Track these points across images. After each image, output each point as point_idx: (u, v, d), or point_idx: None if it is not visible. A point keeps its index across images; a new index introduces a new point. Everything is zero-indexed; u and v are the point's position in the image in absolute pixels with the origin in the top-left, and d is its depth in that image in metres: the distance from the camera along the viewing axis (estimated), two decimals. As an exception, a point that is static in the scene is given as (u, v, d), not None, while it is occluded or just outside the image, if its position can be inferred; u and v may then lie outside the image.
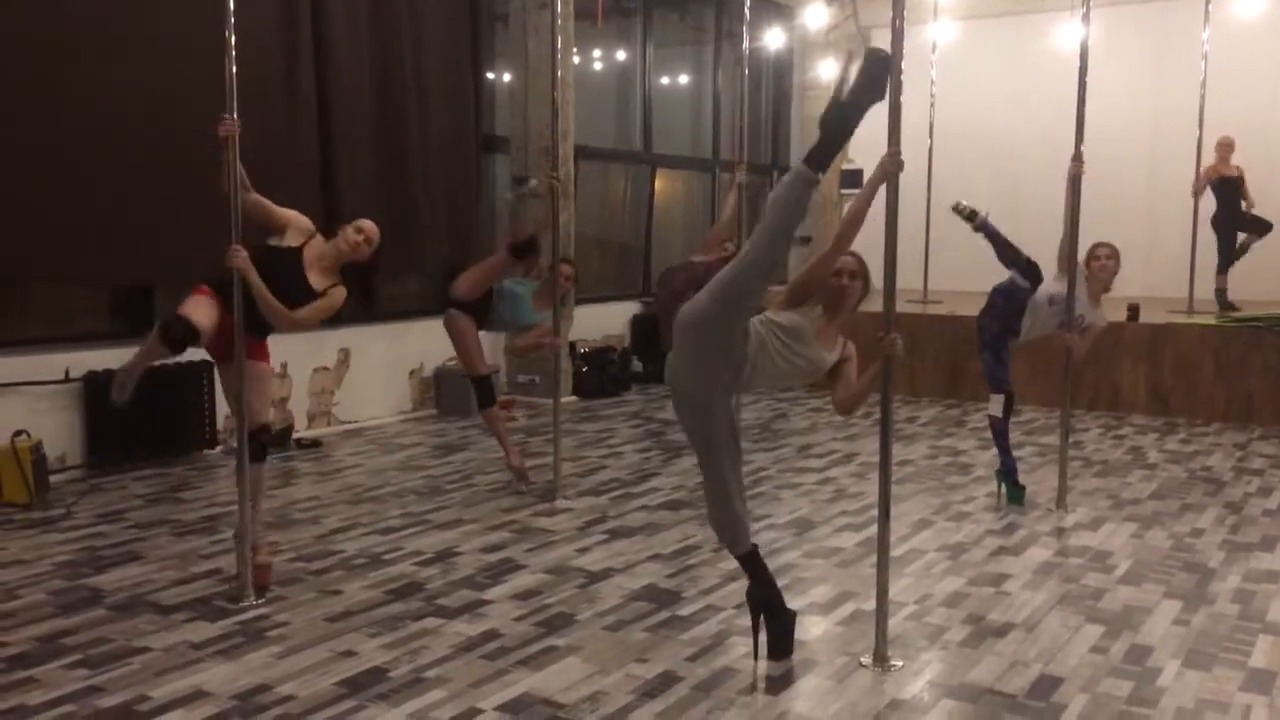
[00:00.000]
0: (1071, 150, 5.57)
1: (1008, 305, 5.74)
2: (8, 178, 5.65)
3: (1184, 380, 8.40)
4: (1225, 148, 9.54)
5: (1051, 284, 5.65)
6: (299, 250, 4.43)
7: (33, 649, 3.72)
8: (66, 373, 6.09)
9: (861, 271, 3.70)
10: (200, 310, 4.31)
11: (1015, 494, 5.78)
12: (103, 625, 3.94)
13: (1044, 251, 5.83)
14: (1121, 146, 10.48)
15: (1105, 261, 5.63)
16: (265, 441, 4.50)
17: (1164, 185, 10.70)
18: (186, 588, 4.36)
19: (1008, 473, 5.81)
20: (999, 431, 5.81)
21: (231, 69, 4.14)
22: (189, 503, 5.67)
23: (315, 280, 4.45)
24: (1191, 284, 9.55)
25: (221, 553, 4.79)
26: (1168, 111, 10.92)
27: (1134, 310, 8.76)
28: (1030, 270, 5.65)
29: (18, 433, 5.59)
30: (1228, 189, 9.55)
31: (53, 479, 5.81)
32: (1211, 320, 8.73)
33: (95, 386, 6.13)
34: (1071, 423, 5.92)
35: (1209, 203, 9.65)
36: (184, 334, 4.25)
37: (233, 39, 4.14)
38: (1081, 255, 5.62)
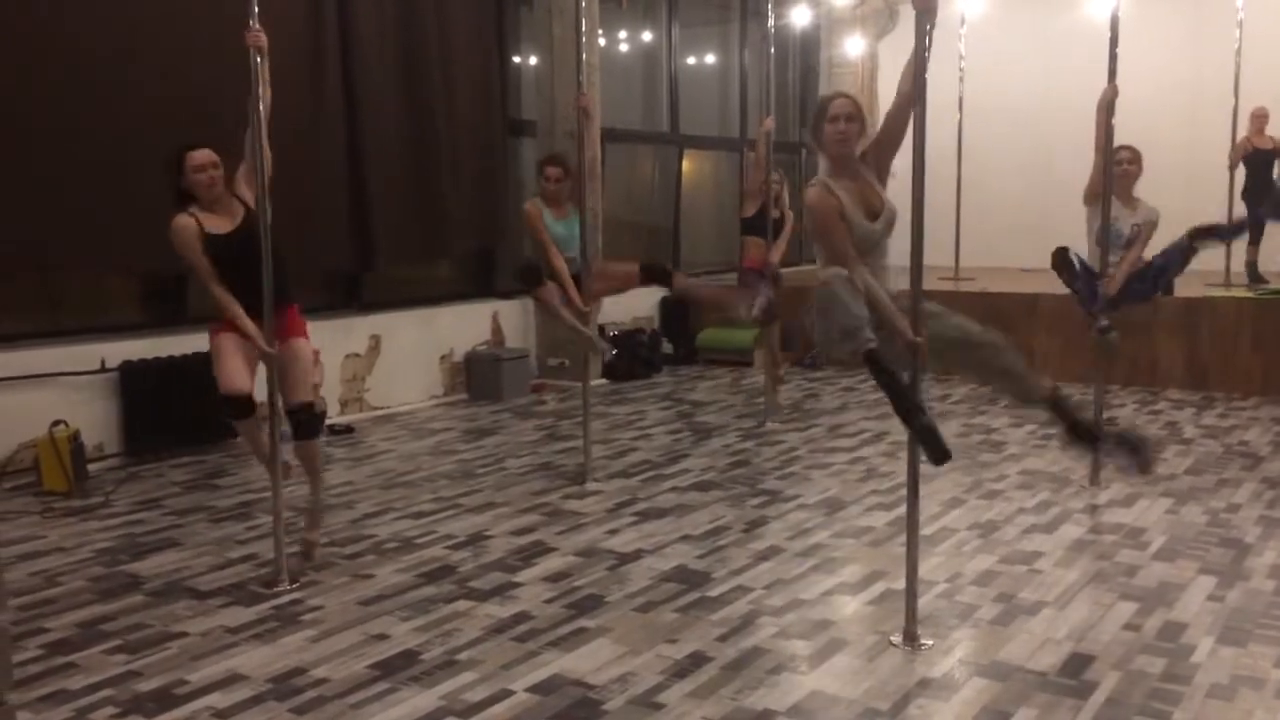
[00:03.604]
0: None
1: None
2: (42, 169, 5.74)
3: (1221, 354, 8.28)
4: (1259, 119, 9.38)
5: (1087, 235, 5.63)
6: (242, 228, 4.41)
7: (73, 635, 3.79)
8: (103, 362, 6.18)
9: (858, 114, 3.73)
10: (237, 374, 4.36)
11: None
12: (141, 611, 4.01)
13: (1076, 229, 5.79)
14: (1155, 118, 10.30)
15: (1126, 166, 5.65)
16: (303, 419, 4.49)
17: (1200, 156, 10.53)
18: (222, 573, 4.42)
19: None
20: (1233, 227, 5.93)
21: (256, 60, 4.17)
22: (225, 489, 5.75)
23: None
24: (1228, 257, 9.41)
25: (257, 538, 4.85)
26: (1203, 81, 10.75)
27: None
28: None
29: (56, 422, 5.68)
30: (1260, 161, 9.40)
31: (91, 468, 5.90)
32: (1248, 293, 8.60)
33: (131, 375, 6.23)
34: (1106, 398, 5.86)
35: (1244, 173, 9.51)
36: (242, 409, 4.39)
37: (255, 25, 4.17)
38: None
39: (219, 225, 4.38)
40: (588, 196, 6.01)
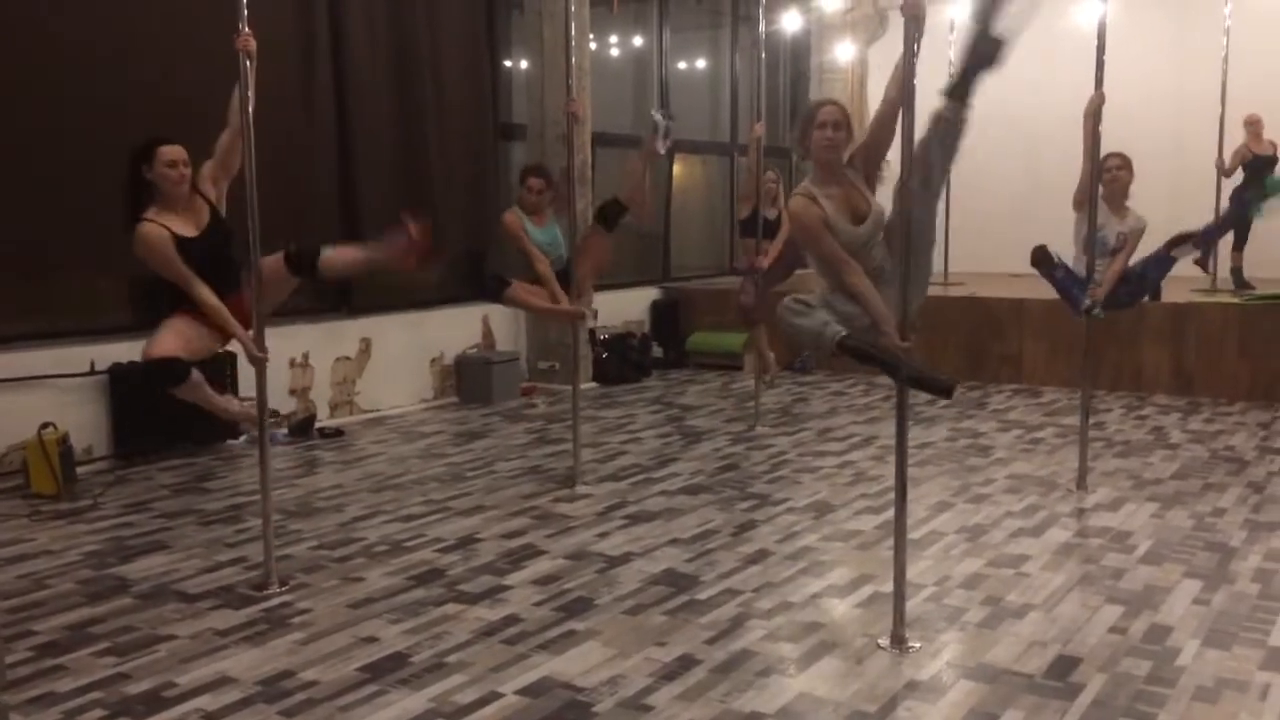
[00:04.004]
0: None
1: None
2: (38, 170, 5.74)
3: (1207, 360, 8.33)
4: (1255, 124, 9.46)
5: (1074, 242, 5.65)
6: (210, 229, 4.40)
7: (61, 637, 3.78)
8: (92, 365, 6.17)
9: (845, 121, 3.79)
10: (168, 344, 4.23)
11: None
12: (130, 614, 4.00)
13: (1065, 235, 5.82)
14: (1143, 125, 10.34)
15: (1116, 172, 5.68)
16: (303, 254, 4.40)
17: (1187, 164, 10.58)
18: (211, 576, 4.42)
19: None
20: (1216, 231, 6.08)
21: (246, 64, 4.17)
22: (214, 492, 5.74)
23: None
24: (1214, 263, 9.47)
25: (246, 541, 4.84)
26: (1190, 89, 10.80)
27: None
28: None
29: (45, 425, 5.67)
30: (1258, 167, 9.48)
31: (80, 470, 5.88)
32: (1234, 299, 8.66)
33: (120, 378, 6.22)
34: (1093, 403, 5.91)
35: (1234, 180, 9.59)
36: (172, 374, 4.24)
37: (245, 29, 4.17)
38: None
39: (185, 228, 4.30)
40: (577, 200, 6.03)
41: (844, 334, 3.62)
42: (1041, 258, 5.75)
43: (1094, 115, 5.38)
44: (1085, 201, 5.49)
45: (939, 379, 3.60)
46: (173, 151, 4.25)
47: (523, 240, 6.02)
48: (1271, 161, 9.51)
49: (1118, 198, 5.71)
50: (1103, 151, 5.51)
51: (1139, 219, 5.75)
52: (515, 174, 9.11)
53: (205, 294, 4.29)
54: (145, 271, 4.50)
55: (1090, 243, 5.47)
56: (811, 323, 3.67)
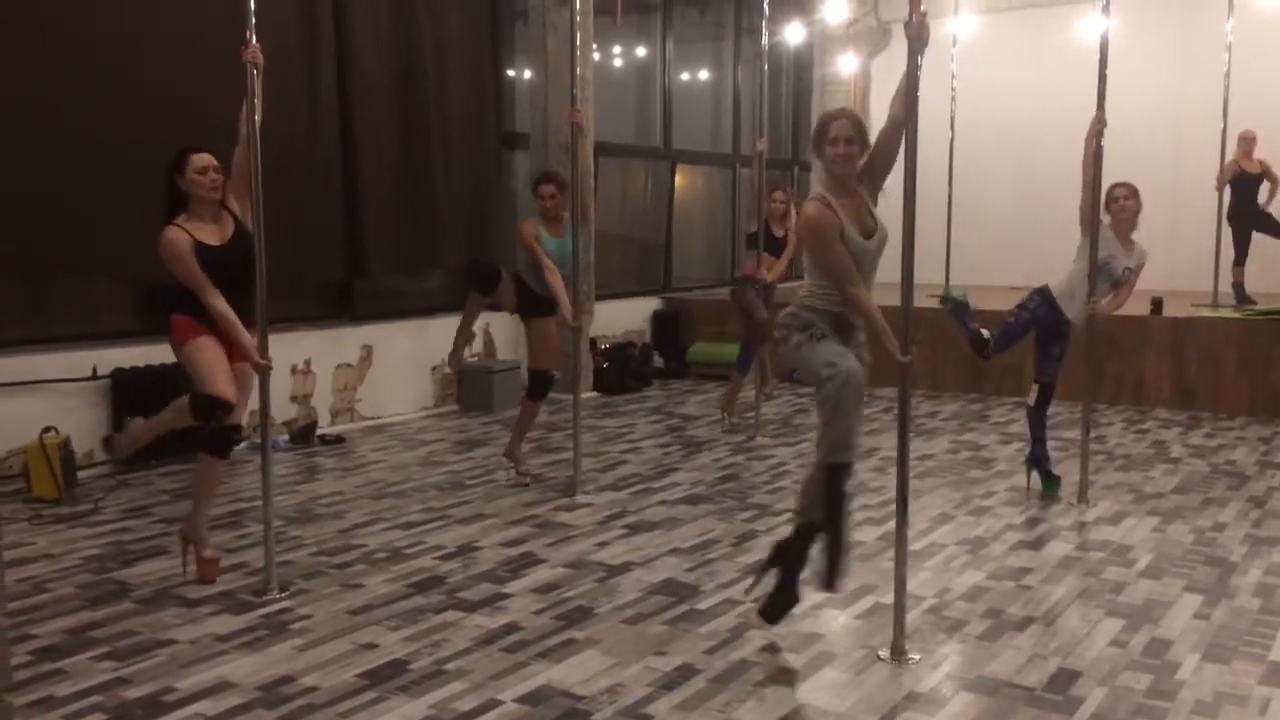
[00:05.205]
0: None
1: (1039, 315, 5.75)
2: (35, 174, 5.74)
3: (1208, 374, 8.34)
4: (1248, 141, 9.49)
5: (1074, 263, 5.63)
6: (234, 241, 4.43)
7: (61, 641, 3.78)
8: (94, 370, 6.17)
9: (858, 135, 3.75)
10: (228, 381, 4.32)
11: (1049, 483, 5.80)
12: (130, 618, 4.01)
13: (1066, 248, 5.83)
14: (1144, 139, 10.41)
15: (1124, 202, 5.61)
16: (220, 432, 4.43)
17: (1187, 178, 10.62)
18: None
19: (1035, 460, 5.81)
20: (1030, 419, 5.82)
21: (253, 74, 4.19)
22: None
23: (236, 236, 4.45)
24: (1215, 277, 9.49)
25: (246, 547, 4.85)
26: (1191, 104, 10.85)
27: (1157, 303, 8.71)
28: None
29: (46, 429, 5.67)
30: (1245, 184, 9.50)
31: (81, 475, 5.89)
32: (1236, 314, 8.67)
33: (122, 383, 6.23)
34: (1094, 417, 5.90)
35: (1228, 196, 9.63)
36: (220, 411, 4.32)
37: (253, 39, 4.19)
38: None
39: (209, 236, 4.36)
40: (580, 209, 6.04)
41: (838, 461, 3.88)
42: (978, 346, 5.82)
43: (1095, 136, 5.40)
44: (1087, 225, 5.49)
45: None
46: (202, 159, 4.34)
47: (535, 250, 6.01)
48: (1257, 180, 9.53)
49: (1126, 228, 5.63)
50: (1103, 171, 5.50)
51: (1144, 253, 5.72)
52: (519, 182, 9.17)
53: (217, 301, 4.31)
54: (152, 277, 4.51)
55: (1093, 266, 5.46)
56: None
